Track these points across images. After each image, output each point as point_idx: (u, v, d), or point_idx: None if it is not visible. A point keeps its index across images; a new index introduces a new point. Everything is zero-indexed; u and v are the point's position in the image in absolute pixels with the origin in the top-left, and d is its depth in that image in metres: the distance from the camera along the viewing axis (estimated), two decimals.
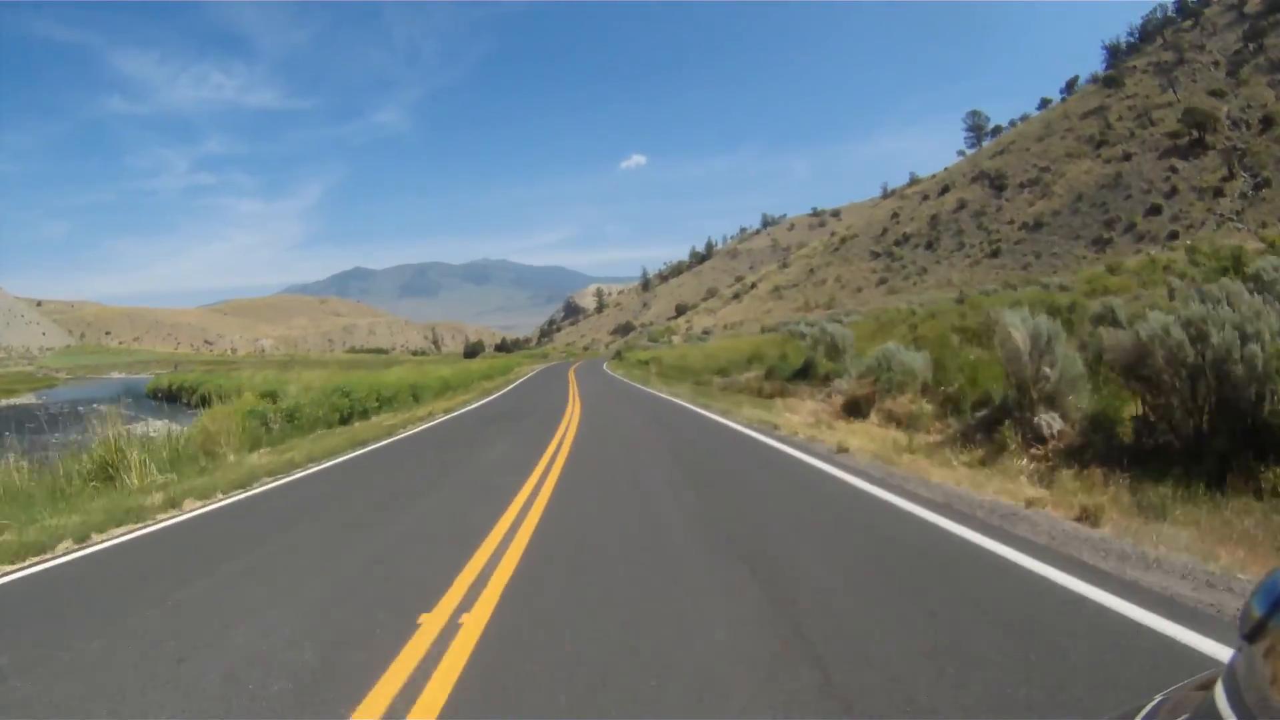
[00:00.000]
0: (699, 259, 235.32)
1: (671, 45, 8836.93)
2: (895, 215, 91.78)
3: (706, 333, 71.48)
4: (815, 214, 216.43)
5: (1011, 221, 78.65)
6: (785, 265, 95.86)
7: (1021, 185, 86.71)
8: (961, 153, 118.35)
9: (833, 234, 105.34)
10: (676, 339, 76.91)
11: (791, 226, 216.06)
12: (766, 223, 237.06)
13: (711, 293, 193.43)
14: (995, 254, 72.57)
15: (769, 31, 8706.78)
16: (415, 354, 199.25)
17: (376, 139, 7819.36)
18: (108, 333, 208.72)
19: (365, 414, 18.07)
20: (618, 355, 76.20)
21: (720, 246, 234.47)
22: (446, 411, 19.42)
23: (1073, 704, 2.76)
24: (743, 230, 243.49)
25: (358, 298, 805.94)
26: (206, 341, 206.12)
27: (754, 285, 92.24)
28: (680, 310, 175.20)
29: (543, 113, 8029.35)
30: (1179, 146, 73.78)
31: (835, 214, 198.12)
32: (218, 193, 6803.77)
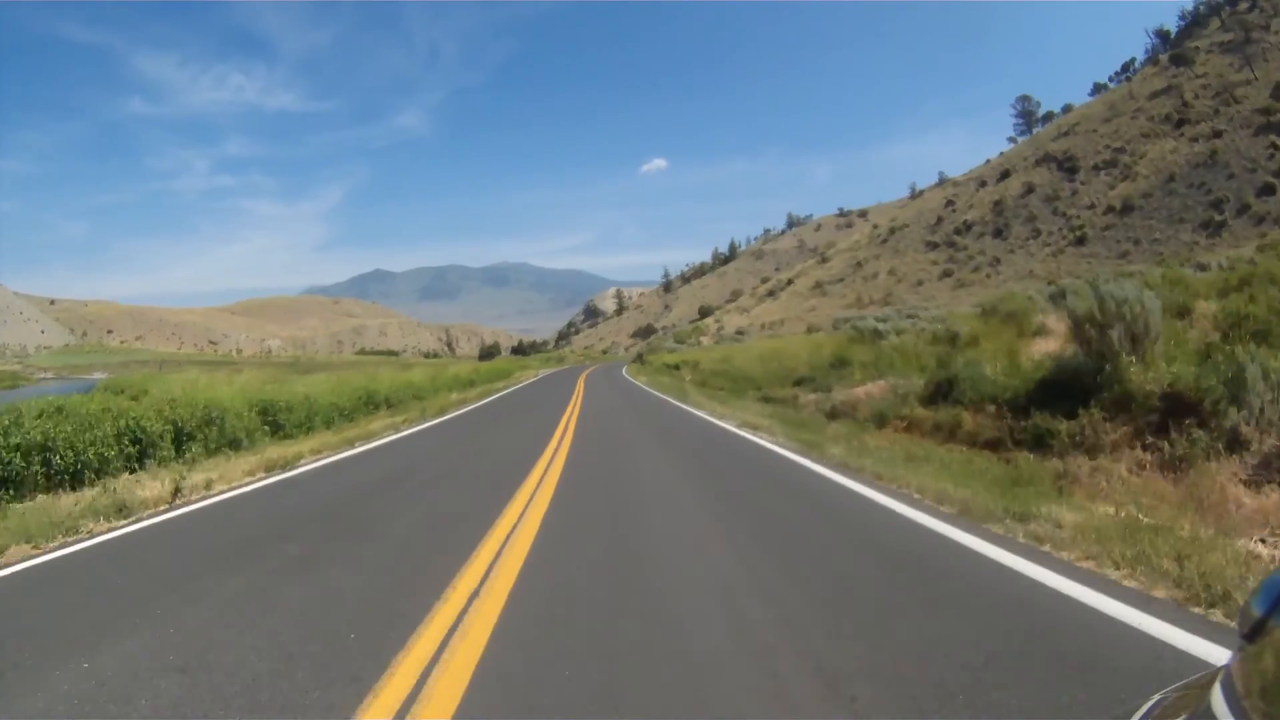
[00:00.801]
0: (722, 260, 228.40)
1: (694, 48, 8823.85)
2: (950, 203, 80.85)
3: (741, 333, 61.04)
4: (842, 214, 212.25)
5: (1093, 206, 67.76)
6: (825, 260, 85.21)
7: (1096, 167, 75.85)
8: (1013, 139, 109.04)
9: (875, 226, 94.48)
10: (705, 340, 66.46)
11: (818, 227, 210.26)
12: (792, 223, 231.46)
13: (736, 294, 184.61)
14: (1081, 241, 61.75)
15: (791, 34, 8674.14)
16: (427, 356, 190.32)
17: (397, 142, 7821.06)
18: (110, 331, 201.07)
19: (126, 464, 7.95)
20: (639, 358, 65.96)
21: (744, 248, 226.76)
22: (284, 467, 9.11)
23: None
24: (766, 231, 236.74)
25: (377, 300, 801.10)
26: (211, 341, 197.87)
27: (790, 282, 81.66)
28: (704, 312, 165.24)
29: (563, 116, 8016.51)
30: (1274, 123, 63.70)
31: (862, 214, 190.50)
32: (238, 195, 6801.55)
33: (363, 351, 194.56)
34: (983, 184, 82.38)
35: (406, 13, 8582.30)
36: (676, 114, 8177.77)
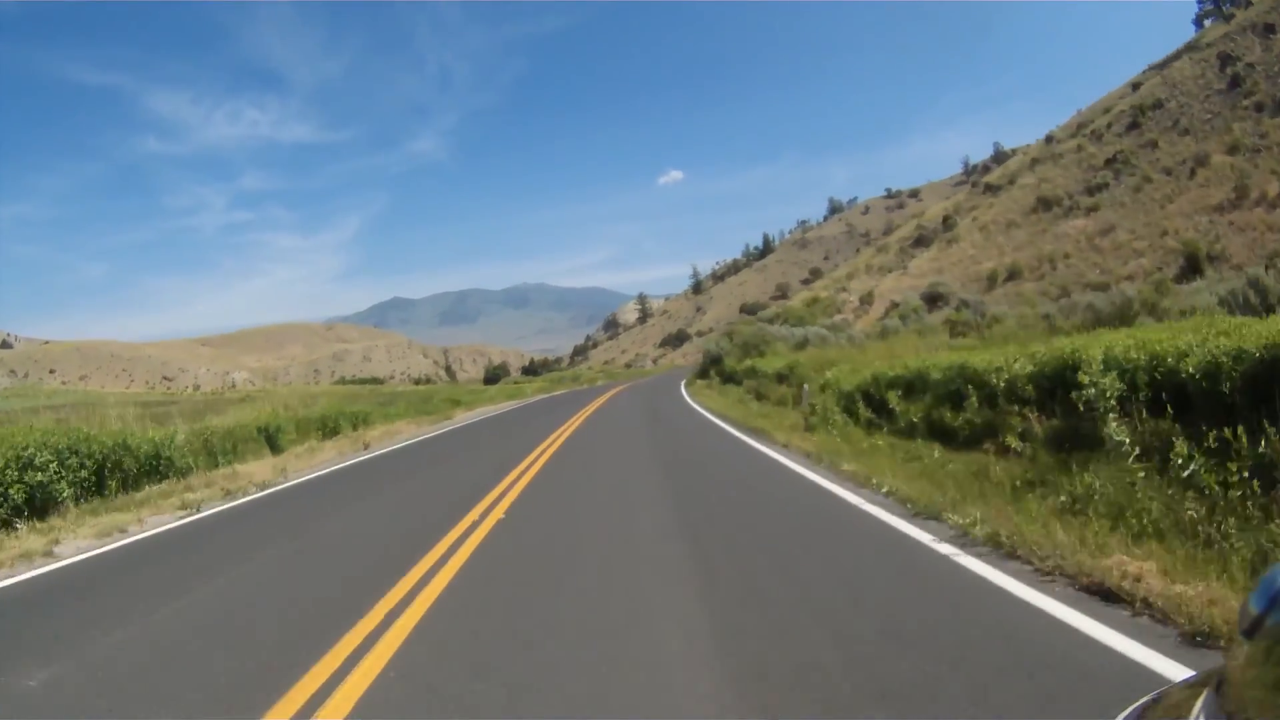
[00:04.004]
0: (757, 255, 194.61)
1: (703, 58, 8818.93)
2: (1229, 58, 44.96)
3: (937, 298, 24.96)
4: (891, 195, 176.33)
5: None
6: (990, 188, 49.51)
7: None
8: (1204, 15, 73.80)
9: (1049, 139, 57.62)
10: (852, 319, 30.08)
11: (866, 210, 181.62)
12: (834, 208, 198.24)
13: (783, 287, 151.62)
14: None
15: (801, 39, 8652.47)
16: (418, 382, 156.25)
17: (412, 168, 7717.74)
18: (52, 370, 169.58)
19: None
20: (712, 368, 30.32)
21: (778, 241, 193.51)
22: None
23: None
24: (802, 223, 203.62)
25: (397, 327, 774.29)
26: (165, 377, 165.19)
27: (947, 221, 45.46)
28: (748, 309, 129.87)
29: (576, 133, 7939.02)
30: None
31: (913, 193, 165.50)
32: (257, 229, 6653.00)
33: (342, 380, 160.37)
34: (1268, 30, 46.30)
35: (416, 38, 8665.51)
36: (689, 125, 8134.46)
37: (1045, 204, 35.68)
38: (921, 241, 44.70)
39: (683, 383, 37.60)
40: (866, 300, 32.85)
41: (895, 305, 26.58)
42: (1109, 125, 44.32)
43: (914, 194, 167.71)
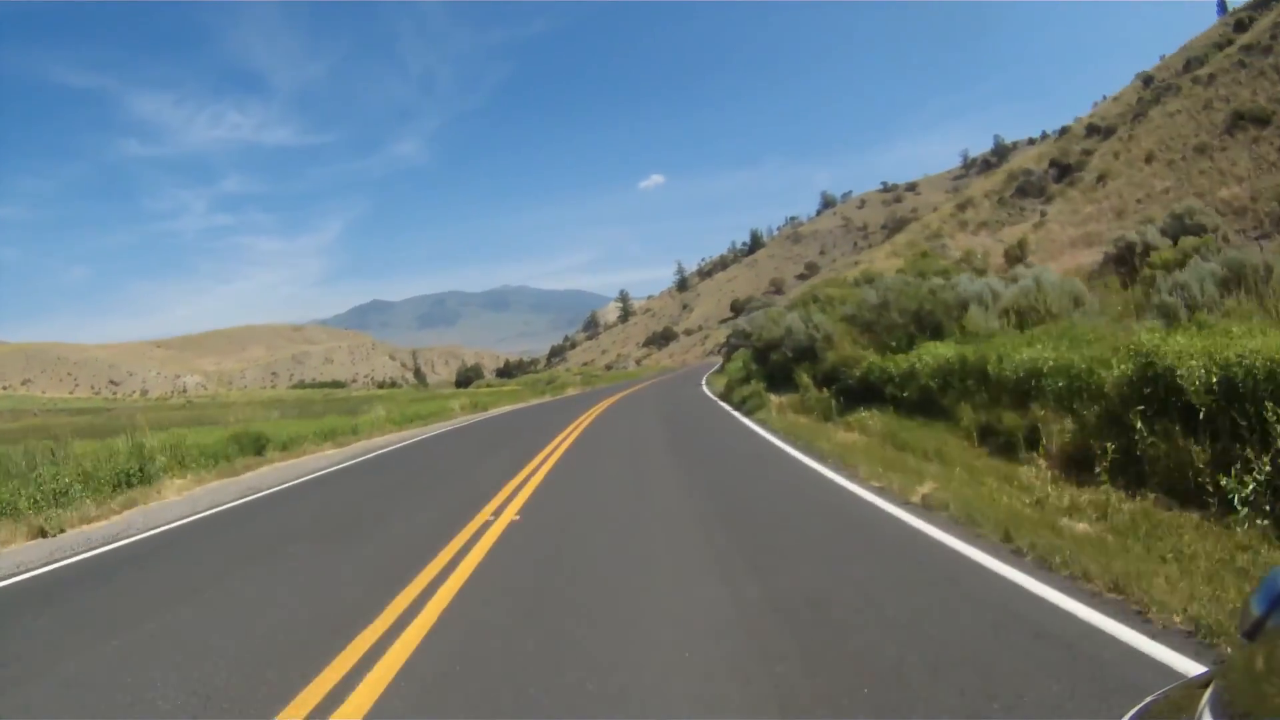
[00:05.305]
0: (745, 251, 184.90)
1: (684, 63, 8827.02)
2: None
3: (1193, 230, 13.21)
4: (887, 189, 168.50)
5: None
6: (1086, 130, 37.74)
7: None
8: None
9: (1148, 80, 46.32)
10: (1036, 266, 17.88)
11: (862, 203, 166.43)
12: (827, 203, 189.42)
13: (776, 284, 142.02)
14: None
15: (783, 44, 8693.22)
16: (382, 386, 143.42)
17: (394, 171, 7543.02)
18: None
19: None
20: (801, 369, 17.58)
21: (766, 238, 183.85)
22: None
23: None
24: (792, 219, 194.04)
25: (376, 330, 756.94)
26: (112, 382, 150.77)
27: (1055, 165, 33.58)
28: (737, 308, 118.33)
29: (558, 137, 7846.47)
30: None
31: (911, 187, 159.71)
32: (237, 232, 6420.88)
33: (301, 385, 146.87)
34: None
35: (399, 41, 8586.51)
36: (671, 129, 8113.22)
37: (1254, 119, 24.40)
38: (1025, 191, 33.17)
39: (707, 388, 25.33)
40: (1016, 252, 21.45)
41: (1134, 248, 14.76)
42: (1272, 35, 32.98)
43: (911, 187, 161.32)
